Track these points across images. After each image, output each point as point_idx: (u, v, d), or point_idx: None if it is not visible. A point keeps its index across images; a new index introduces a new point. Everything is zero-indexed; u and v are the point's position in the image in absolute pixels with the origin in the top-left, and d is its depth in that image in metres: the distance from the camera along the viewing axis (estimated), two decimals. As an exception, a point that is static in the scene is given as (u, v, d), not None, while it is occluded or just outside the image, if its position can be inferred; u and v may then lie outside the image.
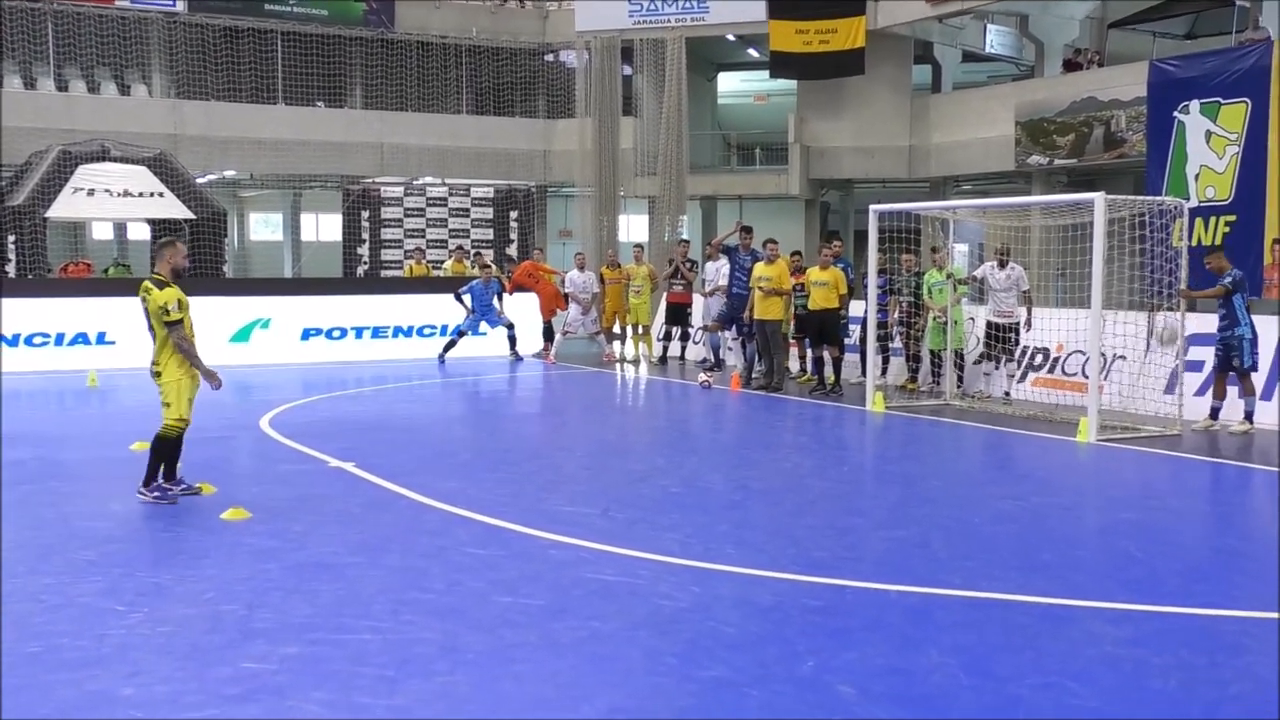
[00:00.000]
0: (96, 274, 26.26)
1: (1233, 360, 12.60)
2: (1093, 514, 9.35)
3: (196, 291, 20.19)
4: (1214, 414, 12.89)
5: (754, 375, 16.95)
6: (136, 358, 18.81)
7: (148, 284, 8.85)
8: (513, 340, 20.87)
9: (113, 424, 13.50)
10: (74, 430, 12.94)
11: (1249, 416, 12.62)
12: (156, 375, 8.86)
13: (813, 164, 31.13)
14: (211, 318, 19.83)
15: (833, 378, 16.16)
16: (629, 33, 30.64)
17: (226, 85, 29.79)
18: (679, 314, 20.90)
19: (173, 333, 8.67)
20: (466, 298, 20.29)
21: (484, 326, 20.77)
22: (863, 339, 16.07)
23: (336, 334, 20.85)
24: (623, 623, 6.07)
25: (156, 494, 8.88)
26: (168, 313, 8.67)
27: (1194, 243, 16.10)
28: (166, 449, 8.93)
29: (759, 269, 16.39)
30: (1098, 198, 12.46)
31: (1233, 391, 12.89)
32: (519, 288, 21.62)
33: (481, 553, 7.48)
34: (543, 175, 32.40)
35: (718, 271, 19.46)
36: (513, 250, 28.85)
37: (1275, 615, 6.25)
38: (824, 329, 16.11)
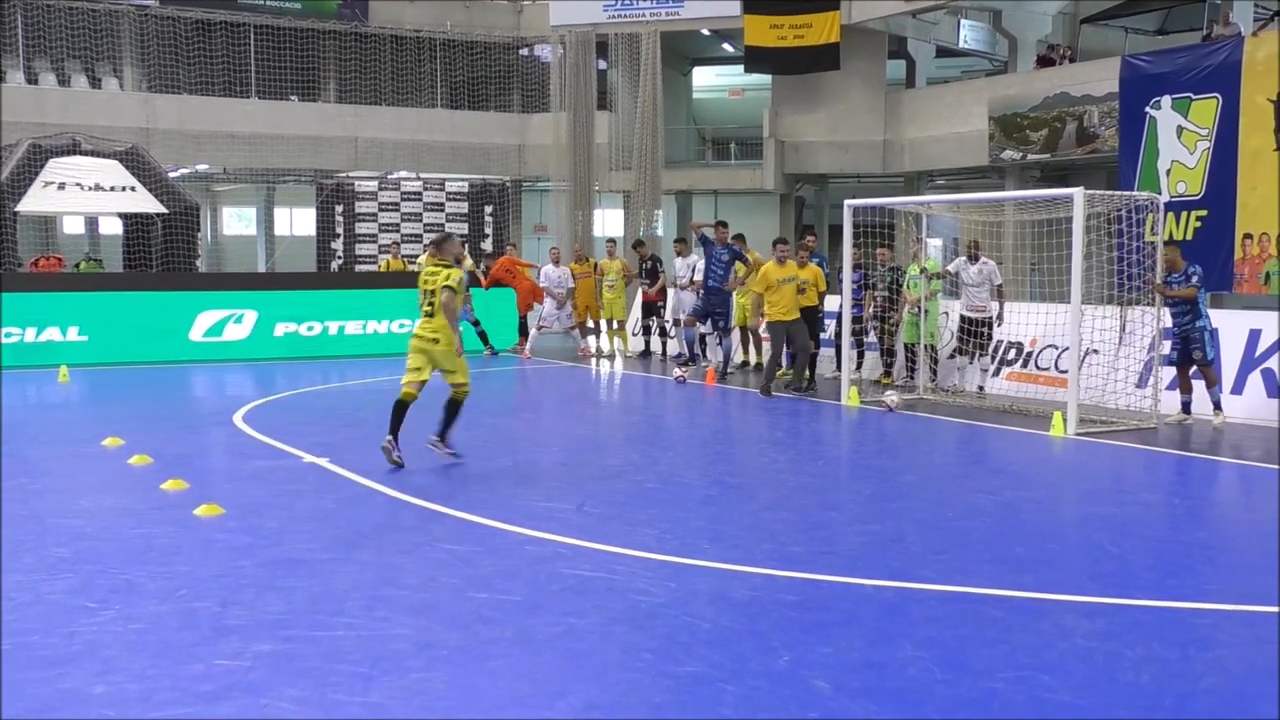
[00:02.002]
0: (68, 268, 26.06)
1: (1193, 353, 12.69)
2: (1066, 508, 9.39)
3: (169, 287, 20.30)
4: (1185, 408, 12.98)
5: (786, 377, 16.24)
6: (108, 353, 18.86)
7: (433, 268, 10.34)
8: (484, 335, 20.80)
9: (84, 420, 13.41)
10: (45, 426, 12.83)
11: (1218, 405, 12.73)
12: (434, 343, 10.24)
13: (787, 159, 31.19)
14: (184, 312, 19.82)
15: (808, 374, 16.16)
16: (604, 27, 30.61)
17: (199, 78, 29.60)
18: (652, 309, 21.00)
19: (446, 294, 10.15)
20: None
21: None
22: (838, 334, 16.09)
23: (310, 329, 20.75)
24: (599, 618, 6.06)
25: (451, 452, 10.45)
26: (450, 280, 10.18)
27: (1166, 237, 16.20)
28: (459, 409, 10.46)
29: (793, 271, 15.59)
30: (1076, 193, 12.52)
31: (1198, 385, 12.97)
32: (496, 283, 21.57)
33: (456, 549, 7.46)
34: (517, 170, 32.33)
35: (689, 267, 19.49)
36: (487, 245, 28.76)
37: (1249, 609, 6.29)
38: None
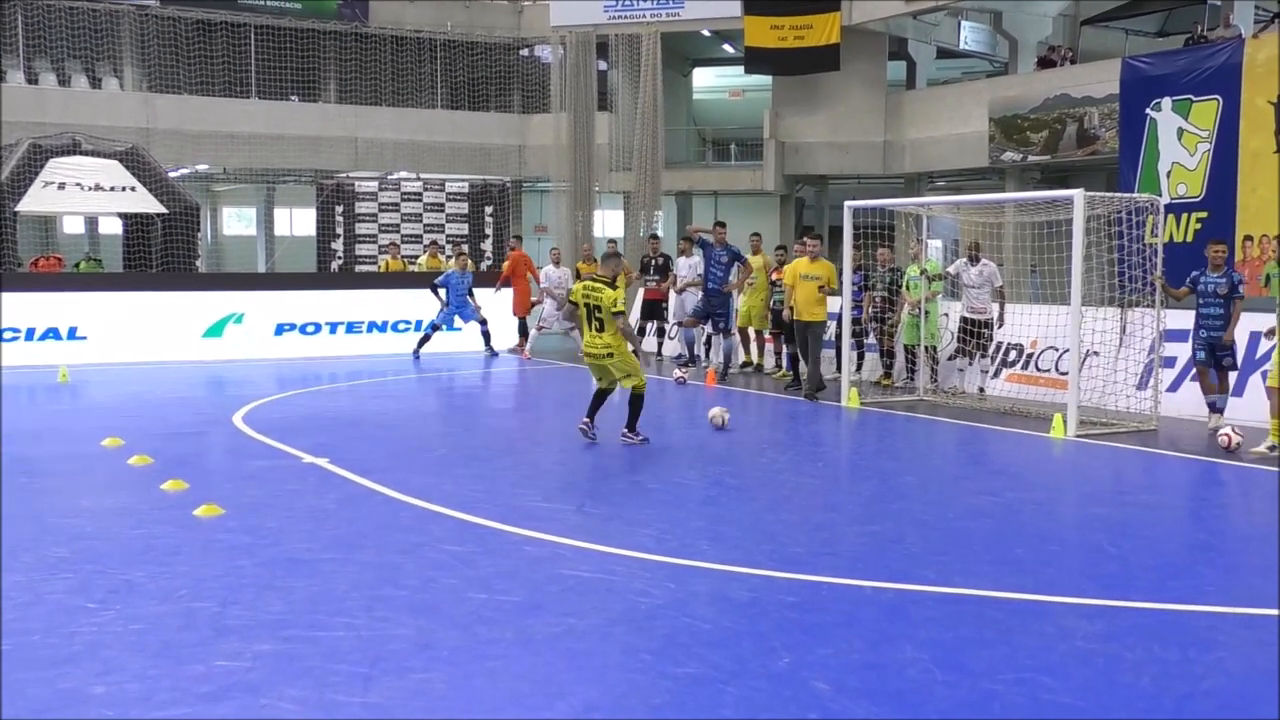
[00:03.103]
0: (68, 268, 26.05)
1: (1224, 360, 12.54)
2: (1066, 509, 9.40)
3: (169, 287, 20.31)
4: (1216, 408, 12.69)
5: (798, 380, 15.97)
6: (108, 353, 18.86)
7: (594, 284, 11.40)
8: (487, 336, 20.82)
9: (84, 420, 13.41)
10: (45, 426, 12.82)
11: (1220, 411, 12.69)
12: (609, 357, 11.32)
13: (788, 160, 31.18)
14: (185, 313, 19.83)
15: (794, 376, 16.12)
16: (604, 27, 30.60)
17: (199, 79, 29.58)
18: (654, 309, 20.90)
19: (620, 320, 11.25)
20: (442, 291, 20.20)
21: (458, 321, 20.72)
22: (838, 335, 16.07)
23: (310, 329, 20.76)
24: (598, 619, 6.06)
25: (642, 438, 11.48)
26: (618, 305, 11.22)
27: (1165, 239, 16.20)
28: (642, 402, 11.55)
29: (804, 266, 15.23)
30: (1077, 194, 12.50)
31: (1195, 386, 12.94)
32: (506, 283, 21.59)
33: (456, 549, 7.46)
34: (518, 170, 32.31)
35: (691, 268, 19.46)
36: (487, 245, 28.77)
37: (1249, 611, 6.29)
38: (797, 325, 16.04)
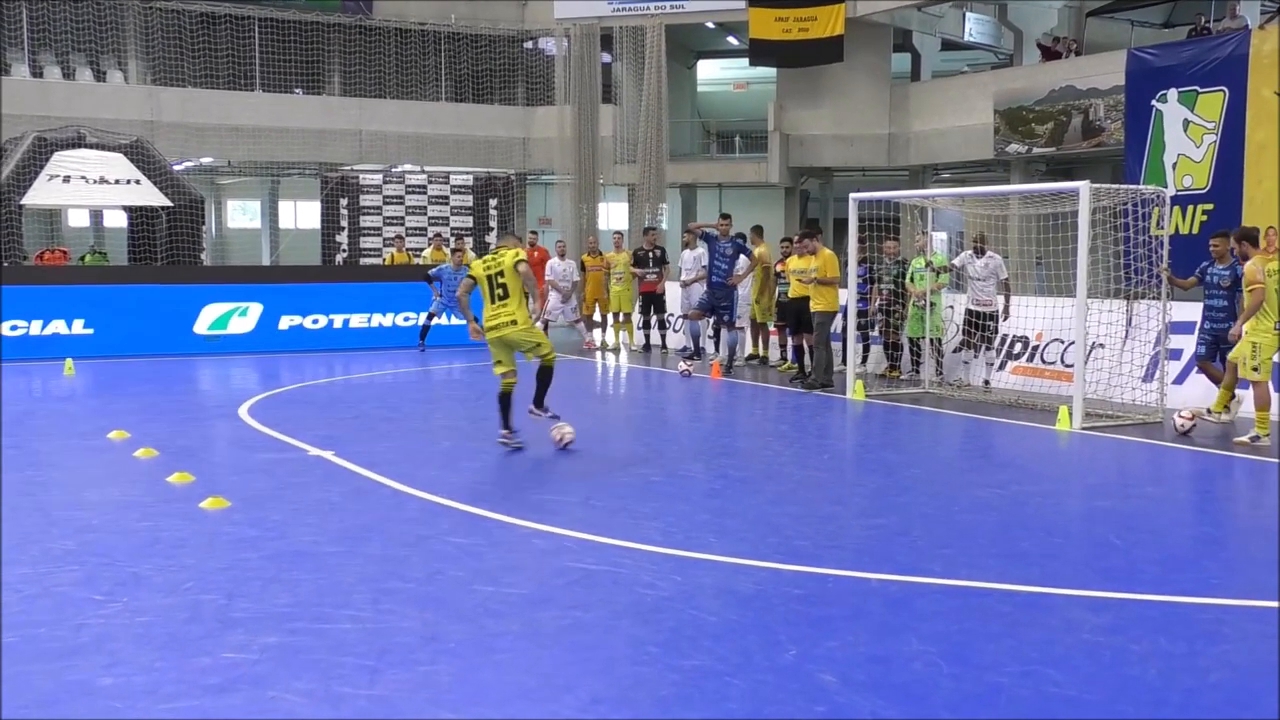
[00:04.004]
0: (73, 261, 26.07)
1: (1228, 353, 12.49)
2: (1072, 502, 9.39)
3: (174, 280, 20.31)
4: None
5: (807, 373, 16.00)
6: (113, 346, 18.86)
7: (494, 255, 10.73)
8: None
9: (89, 413, 13.42)
10: (51, 419, 12.84)
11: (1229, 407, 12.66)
12: (512, 325, 10.52)
13: (792, 152, 31.15)
14: (189, 306, 19.83)
15: (811, 366, 16.14)
16: (608, 20, 30.57)
17: (203, 71, 29.59)
18: (652, 302, 20.82)
19: (522, 266, 10.50)
20: (437, 283, 20.20)
21: (455, 319, 20.76)
22: (843, 328, 16.06)
23: (315, 322, 20.76)
24: (605, 612, 6.06)
25: (550, 413, 10.90)
26: (520, 256, 10.54)
27: (1171, 231, 16.17)
28: (551, 375, 10.86)
29: (795, 263, 15.66)
30: (1083, 186, 12.47)
31: (1202, 379, 12.92)
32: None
33: (462, 542, 7.47)
34: (522, 163, 32.31)
35: (695, 260, 19.44)
36: (491, 238, 28.77)
37: (1255, 604, 6.29)
38: (802, 317, 16.06)
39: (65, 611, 6.02)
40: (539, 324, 11.21)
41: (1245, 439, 11.24)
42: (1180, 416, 11.93)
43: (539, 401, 10.96)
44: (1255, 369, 11.39)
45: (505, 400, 10.76)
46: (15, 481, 9.26)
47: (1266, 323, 11.35)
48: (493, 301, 10.60)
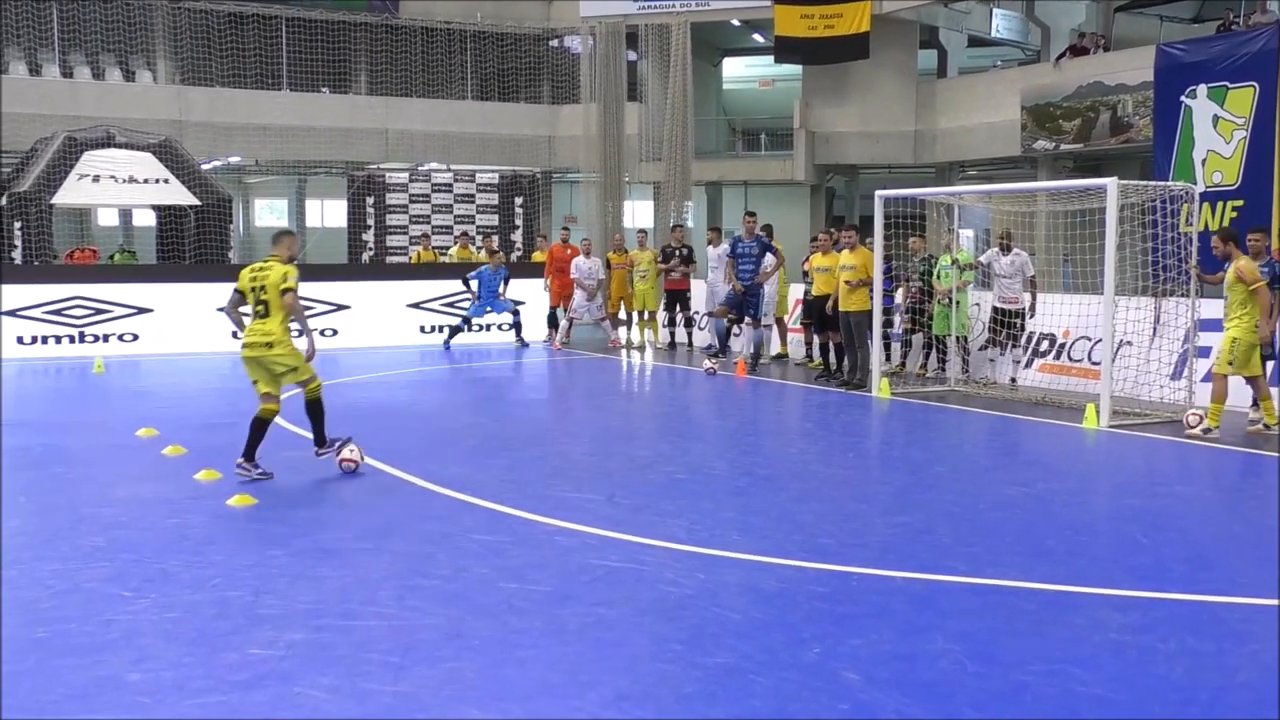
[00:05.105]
0: (102, 260, 26.27)
1: (1261, 350, 12.44)
2: (1099, 500, 9.33)
3: (202, 278, 20.44)
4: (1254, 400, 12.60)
5: (836, 372, 15.94)
6: (142, 345, 19.01)
7: (263, 265, 9.54)
8: (518, 327, 20.90)
9: (119, 411, 13.53)
10: (80, 417, 12.95)
11: (1256, 403, 12.57)
12: (269, 348, 9.33)
13: (818, 149, 31.07)
14: (218, 304, 19.93)
15: (836, 363, 16.10)
16: (634, 18, 30.56)
17: (231, 71, 29.74)
18: (677, 300, 20.80)
19: (288, 296, 9.31)
20: (474, 283, 20.28)
21: (490, 316, 20.82)
22: (869, 325, 15.98)
23: (342, 320, 20.83)
24: (629, 609, 6.07)
25: (334, 448, 9.64)
26: (287, 281, 9.32)
27: (1201, 227, 16.04)
28: (322, 409, 9.70)
29: (841, 257, 15.44)
30: (1110, 183, 12.39)
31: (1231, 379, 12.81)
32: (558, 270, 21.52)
33: (487, 539, 7.49)
34: (548, 161, 32.35)
35: (720, 258, 19.40)
36: (517, 236, 28.84)
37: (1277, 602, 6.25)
38: (827, 314, 15.99)
39: (94, 607, 6.08)
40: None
41: (1197, 430, 11.58)
42: (1193, 415, 11.91)
43: (319, 440, 9.72)
44: (1230, 363, 11.62)
45: (257, 426, 9.32)
46: (45, 479, 9.36)
47: (1249, 320, 11.54)
48: (254, 317, 9.48)
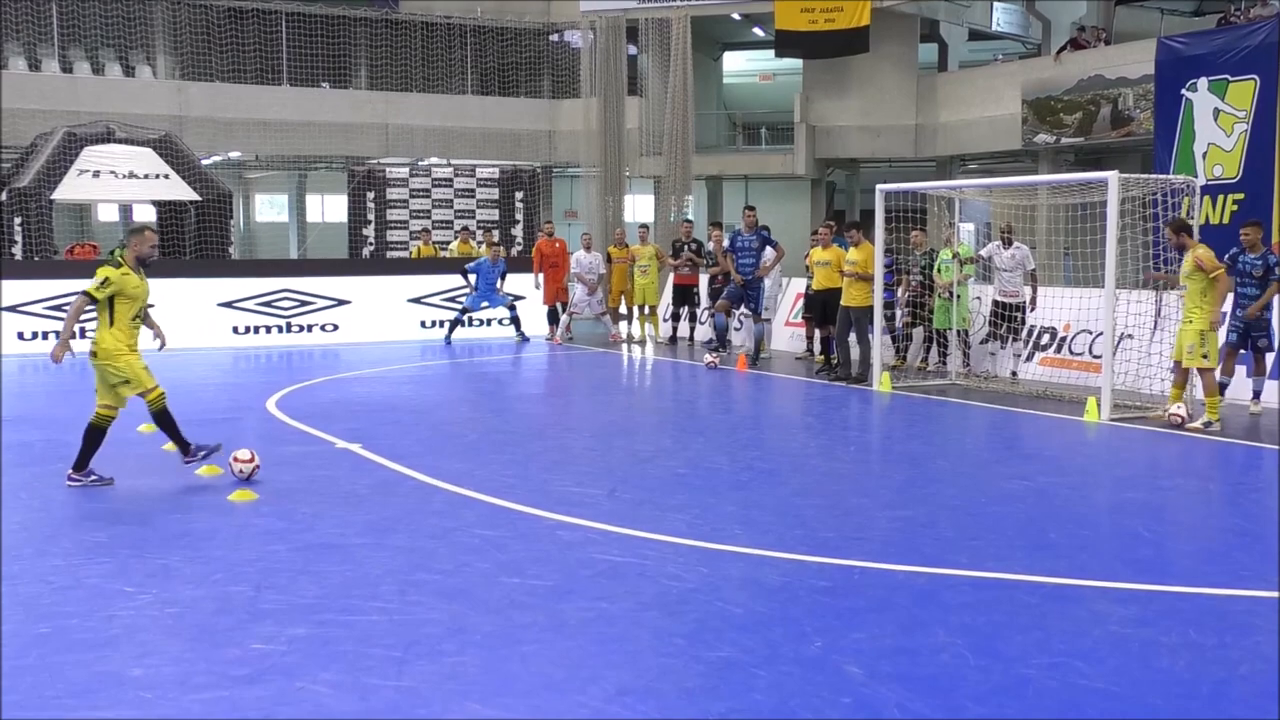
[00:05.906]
0: (103, 255, 26.26)
1: (1258, 341, 12.47)
2: (1100, 493, 9.33)
3: (202, 273, 20.44)
4: (1221, 390, 12.73)
5: (835, 367, 15.80)
6: (141, 340, 18.93)
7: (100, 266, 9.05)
8: (516, 321, 20.90)
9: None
10: (81, 413, 12.91)
11: (1258, 395, 12.59)
12: (93, 356, 9.01)
13: (819, 143, 31.04)
14: (217, 299, 19.95)
15: (837, 357, 16.08)
16: (634, 12, 30.50)
17: (231, 66, 29.73)
18: (686, 295, 20.81)
19: (78, 298, 8.85)
20: (473, 276, 20.29)
21: (487, 310, 20.83)
22: (870, 319, 15.98)
23: (343, 314, 20.82)
24: (630, 604, 6.07)
25: (203, 454, 9.31)
26: (92, 287, 8.82)
27: (1201, 221, 16.03)
28: (170, 418, 9.26)
29: (817, 254, 15.84)
30: (1111, 176, 12.39)
31: (1239, 370, 12.82)
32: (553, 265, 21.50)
33: (489, 534, 7.49)
34: (548, 155, 32.33)
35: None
36: (518, 231, 28.82)
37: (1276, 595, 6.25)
38: (828, 309, 16.00)
39: (97, 603, 6.08)
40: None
41: (1198, 424, 11.51)
42: (1177, 414, 11.86)
43: (183, 449, 9.29)
44: (1205, 356, 11.65)
45: (91, 434, 8.94)
46: (47, 474, 9.35)
47: (1211, 310, 11.61)
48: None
